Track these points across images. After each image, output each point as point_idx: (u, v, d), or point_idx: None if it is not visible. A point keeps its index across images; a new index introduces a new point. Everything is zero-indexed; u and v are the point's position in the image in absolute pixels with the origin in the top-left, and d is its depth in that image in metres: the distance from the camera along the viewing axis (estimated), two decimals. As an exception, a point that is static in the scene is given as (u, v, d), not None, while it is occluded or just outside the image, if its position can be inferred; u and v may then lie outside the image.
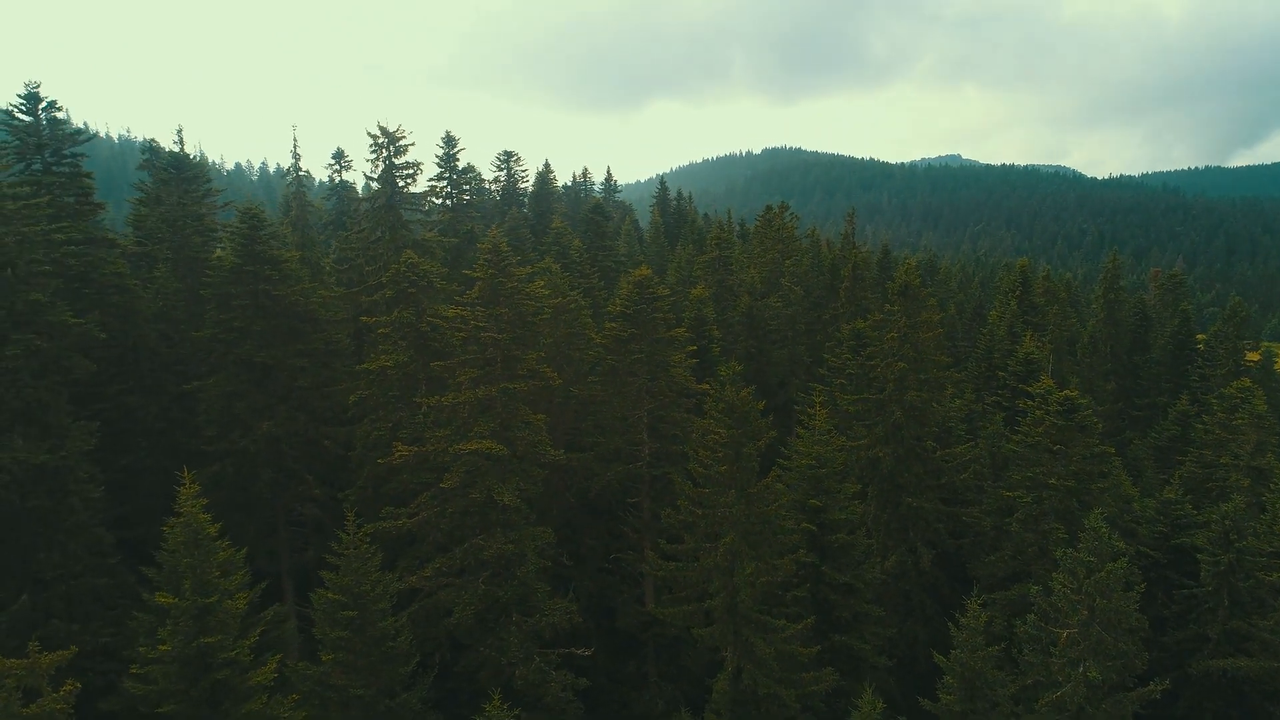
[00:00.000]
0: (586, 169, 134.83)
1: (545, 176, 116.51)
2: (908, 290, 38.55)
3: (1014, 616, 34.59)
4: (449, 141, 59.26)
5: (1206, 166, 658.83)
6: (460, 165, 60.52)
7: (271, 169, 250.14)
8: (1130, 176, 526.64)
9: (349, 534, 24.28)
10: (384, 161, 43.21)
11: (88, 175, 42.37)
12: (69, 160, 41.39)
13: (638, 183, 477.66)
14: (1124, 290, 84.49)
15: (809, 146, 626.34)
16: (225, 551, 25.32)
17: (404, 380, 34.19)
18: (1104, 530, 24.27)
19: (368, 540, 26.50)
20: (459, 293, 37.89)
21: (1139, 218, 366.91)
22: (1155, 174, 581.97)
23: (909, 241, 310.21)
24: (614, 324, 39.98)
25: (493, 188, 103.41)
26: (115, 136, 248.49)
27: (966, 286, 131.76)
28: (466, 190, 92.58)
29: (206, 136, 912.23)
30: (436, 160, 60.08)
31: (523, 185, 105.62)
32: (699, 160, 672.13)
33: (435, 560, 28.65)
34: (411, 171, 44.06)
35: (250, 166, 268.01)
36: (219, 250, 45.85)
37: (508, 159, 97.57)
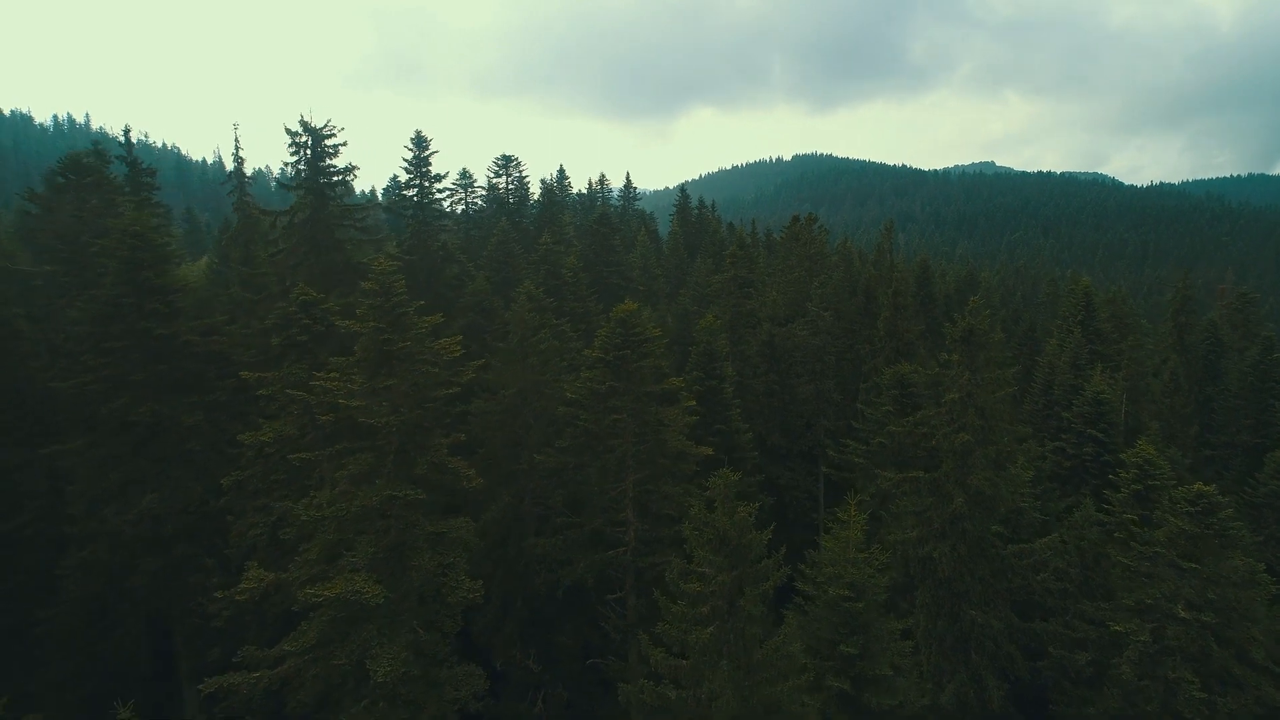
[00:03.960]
0: (604, 175, 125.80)
1: (557, 184, 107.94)
2: (972, 336, 29.18)
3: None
4: (419, 143, 50.62)
5: (1250, 174, 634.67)
6: (433, 170, 51.88)
7: (291, 174, 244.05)
8: (1171, 184, 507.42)
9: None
10: (305, 165, 34.71)
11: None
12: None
13: (665, 189, 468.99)
14: (1194, 314, 75.29)
15: (840, 153, 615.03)
16: None
17: (298, 460, 25.49)
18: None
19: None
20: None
21: (1183, 227, 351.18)
22: (1197, 181, 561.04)
23: (943, 250, 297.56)
24: (591, 373, 31.35)
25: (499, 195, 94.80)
26: (134, 141, 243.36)
27: (1009, 301, 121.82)
28: (460, 199, 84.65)
29: (226, 140, 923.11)
30: (405, 165, 51.73)
31: (532, 192, 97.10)
32: (729, 167, 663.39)
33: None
34: (342, 176, 35.49)
35: (270, 171, 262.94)
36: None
37: (506, 164, 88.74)
